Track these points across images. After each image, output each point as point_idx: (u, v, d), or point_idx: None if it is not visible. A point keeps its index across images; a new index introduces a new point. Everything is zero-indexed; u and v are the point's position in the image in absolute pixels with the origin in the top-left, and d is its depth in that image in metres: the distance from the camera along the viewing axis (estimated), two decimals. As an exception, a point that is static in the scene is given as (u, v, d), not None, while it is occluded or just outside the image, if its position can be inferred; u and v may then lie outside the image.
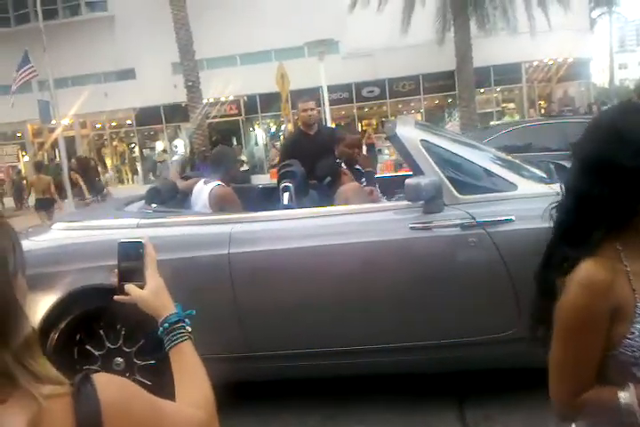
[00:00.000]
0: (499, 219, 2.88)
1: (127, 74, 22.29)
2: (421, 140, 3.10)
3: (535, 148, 6.93)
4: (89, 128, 24.77)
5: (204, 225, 3.25)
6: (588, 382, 1.16)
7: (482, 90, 21.21)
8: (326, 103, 14.56)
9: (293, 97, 14.64)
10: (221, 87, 20.22)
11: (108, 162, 24.34)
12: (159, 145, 24.20)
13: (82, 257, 3.15)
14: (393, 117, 20.73)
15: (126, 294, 1.18)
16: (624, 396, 1.10)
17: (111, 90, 21.62)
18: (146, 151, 24.29)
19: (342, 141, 4.39)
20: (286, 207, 3.62)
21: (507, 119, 14.85)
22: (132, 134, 24.74)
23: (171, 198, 3.87)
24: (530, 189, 3.07)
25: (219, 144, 19.43)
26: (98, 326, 3.14)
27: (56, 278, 3.11)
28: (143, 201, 3.86)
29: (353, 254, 3.00)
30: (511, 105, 17.16)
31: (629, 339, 1.13)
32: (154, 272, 1.20)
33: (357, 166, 4.38)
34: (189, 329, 1.16)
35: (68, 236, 3.34)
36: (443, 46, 17.70)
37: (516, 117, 15.05)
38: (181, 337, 1.14)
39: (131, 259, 1.20)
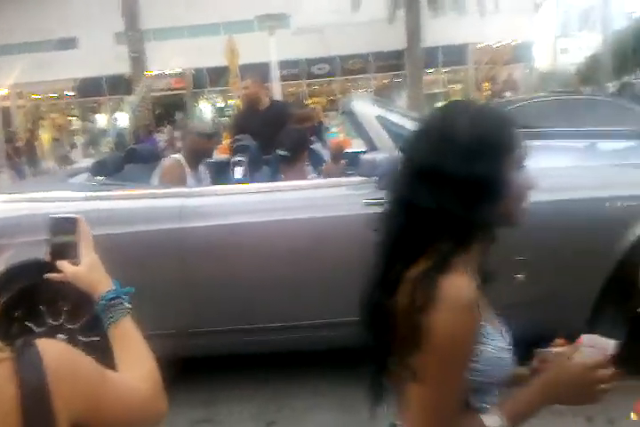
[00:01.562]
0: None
1: (68, 43, 21.37)
2: (377, 116, 3.10)
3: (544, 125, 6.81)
4: (26, 99, 23.73)
5: (156, 198, 3.17)
6: (456, 418, 1.04)
7: (430, 70, 21.43)
8: (276, 79, 14.41)
9: (242, 72, 14.43)
10: (167, 60, 19.71)
11: (46, 135, 23.40)
12: (100, 118, 23.43)
13: (24, 230, 3.02)
14: (341, 96, 20.75)
15: (59, 272, 1.15)
16: (492, 420, 1.04)
17: (51, 59, 20.71)
18: (86, 124, 23.47)
19: (292, 118, 4.35)
20: (239, 182, 3.57)
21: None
22: (72, 106, 23.86)
23: (117, 171, 3.75)
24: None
25: (162, 119, 19.11)
26: (38, 302, 3.05)
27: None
28: (87, 173, 3.73)
29: (305, 229, 3.00)
30: (457, 86, 17.42)
31: (476, 363, 1.04)
32: (88, 249, 1.17)
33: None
34: (128, 305, 1.14)
35: (9, 208, 3.21)
36: (393, 25, 17.74)
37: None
38: (120, 313, 1.12)
39: (63, 235, 1.16)
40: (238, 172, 3.61)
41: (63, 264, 1.15)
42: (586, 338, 1.08)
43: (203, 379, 3.35)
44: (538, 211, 2.83)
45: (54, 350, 0.85)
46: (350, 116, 3.17)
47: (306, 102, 21.95)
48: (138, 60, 16.35)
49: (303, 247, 2.97)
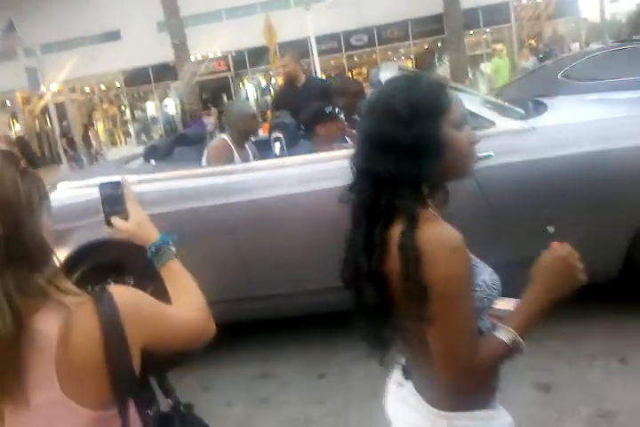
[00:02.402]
0: (478, 155, 3.07)
1: (112, 35, 21.87)
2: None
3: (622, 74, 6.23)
4: (78, 93, 24.53)
5: (203, 177, 3.44)
6: (478, 346, 1.15)
7: (471, 32, 20.91)
8: (315, 54, 14.44)
9: (282, 49, 14.54)
10: (208, 44, 19.96)
11: (100, 126, 24.20)
12: (150, 105, 24.04)
13: (88, 213, 3.33)
14: (376, 67, 20.52)
15: (114, 227, 1.34)
16: (503, 336, 1.16)
17: (97, 52, 21.27)
18: (137, 112, 24.13)
19: (346, 92, 4.35)
20: (278, 157, 3.80)
21: (496, 61, 14.69)
22: (121, 96, 24.54)
23: (167, 155, 4.05)
24: (507, 125, 3.25)
25: (208, 102, 19.46)
26: (106, 278, 3.37)
27: (66, 235, 3.32)
28: (141, 158, 4.04)
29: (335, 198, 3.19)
30: (499, 46, 16.95)
31: (477, 291, 1.18)
32: (134, 206, 1.36)
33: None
34: (174, 249, 1.34)
35: (73, 194, 3.53)
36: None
37: (506, 59, 14.90)
38: (168, 256, 1.32)
39: (113, 196, 1.34)
40: (277, 147, 3.83)
41: (116, 220, 1.33)
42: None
43: (258, 340, 3.66)
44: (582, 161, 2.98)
45: (123, 293, 1.09)
46: (378, 86, 3.32)
47: (347, 75, 21.95)
48: (180, 47, 16.68)
49: (342, 215, 3.16)
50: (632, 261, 3.19)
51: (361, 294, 1.23)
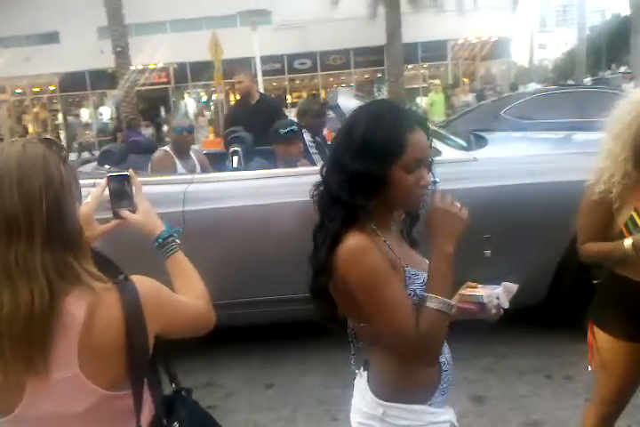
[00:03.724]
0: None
1: (50, 37, 21.33)
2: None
3: (555, 116, 6.83)
4: (8, 93, 23.64)
5: (161, 185, 3.49)
6: (415, 314, 1.28)
7: (409, 66, 21.80)
8: (259, 74, 14.64)
9: (225, 66, 14.64)
10: (150, 54, 19.78)
11: (30, 129, 23.35)
12: (84, 112, 23.44)
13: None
14: (323, 90, 20.99)
15: (122, 218, 1.40)
16: (429, 302, 1.28)
17: (33, 54, 20.67)
18: (70, 118, 23.47)
19: (308, 111, 4.48)
20: (235, 170, 3.90)
21: (432, 95, 15.41)
22: (54, 100, 23.82)
23: (122, 161, 4.06)
24: (452, 155, 3.50)
25: (146, 112, 19.21)
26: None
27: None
28: (96, 163, 4.03)
29: (296, 212, 3.33)
30: (436, 81, 17.81)
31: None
32: (141, 198, 1.42)
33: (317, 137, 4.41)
34: (179, 242, 1.41)
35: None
36: (373, 21, 18.03)
37: (441, 94, 15.65)
38: (174, 248, 1.39)
39: (121, 189, 1.39)
40: (234, 161, 3.94)
41: (124, 212, 1.39)
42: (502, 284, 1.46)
43: (202, 352, 3.68)
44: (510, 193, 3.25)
45: (145, 283, 1.18)
46: (336, 109, 3.50)
47: (287, 97, 22.27)
48: (121, 55, 16.44)
49: (291, 228, 3.27)
50: (557, 286, 3.48)
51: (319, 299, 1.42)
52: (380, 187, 1.31)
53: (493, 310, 1.41)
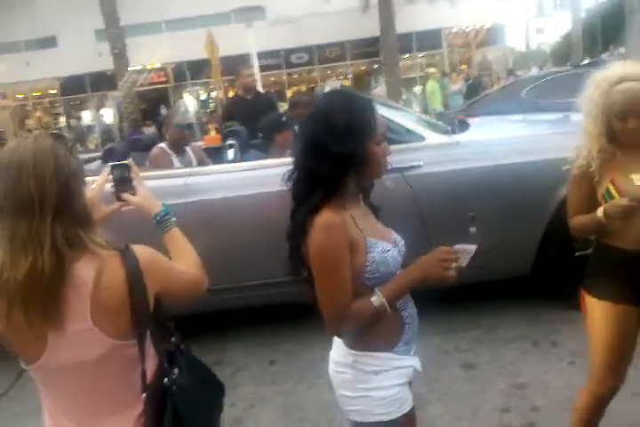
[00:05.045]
0: (409, 165, 3.49)
1: (49, 42, 21.54)
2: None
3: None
4: (10, 98, 23.91)
5: (162, 178, 3.69)
6: (350, 300, 1.49)
7: (406, 55, 21.90)
8: (256, 70, 14.79)
9: (223, 64, 14.81)
10: (148, 54, 19.97)
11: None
12: (85, 114, 23.67)
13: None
14: (322, 83, 21.11)
15: (124, 201, 1.63)
16: (374, 299, 1.49)
17: (33, 59, 20.90)
18: (72, 121, 23.72)
19: (298, 103, 4.69)
20: (231, 162, 4.09)
21: (431, 83, 15.52)
22: (56, 104, 24.07)
23: (124, 158, 4.26)
24: (435, 139, 3.70)
25: (147, 112, 19.43)
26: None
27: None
28: (100, 161, 4.25)
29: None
30: (432, 70, 17.92)
31: (368, 266, 1.52)
32: (140, 183, 1.65)
33: None
34: (174, 219, 1.62)
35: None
36: (366, 13, 18.14)
37: (437, 83, 15.75)
38: (170, 225, 1.61)
39: (122, 176, 1.62)
40: (230, 153, 4.14)
41: (126, 195, 1.62)
42: (457, 245, 1.58)
43: (213, 333, 3.93)
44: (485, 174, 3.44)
45: (143, 250, 1.39)
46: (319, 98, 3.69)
47: (286, 91, 22.41)
48: (119, 57, 16.61)
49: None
50: (541, 259, 3.67)
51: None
52: (360, 162, 1.52)
53: (451, 272, 1.53)
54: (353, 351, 1.60)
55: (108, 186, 1.65)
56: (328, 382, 1.72)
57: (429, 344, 3.41)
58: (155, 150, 4.44)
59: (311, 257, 1.50)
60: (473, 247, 1.59)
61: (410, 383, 1.67)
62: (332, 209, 1.50)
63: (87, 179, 1.42)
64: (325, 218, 1.48)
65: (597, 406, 2.20)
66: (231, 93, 16.22)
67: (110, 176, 1.65)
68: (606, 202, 1.98)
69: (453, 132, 3.95)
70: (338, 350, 1.66)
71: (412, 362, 1.65)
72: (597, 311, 2.10)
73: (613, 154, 2.00)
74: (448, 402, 2.94)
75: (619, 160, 1.99)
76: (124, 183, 1.63)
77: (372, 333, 1.56)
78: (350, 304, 1.49)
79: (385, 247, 1.56)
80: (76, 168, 1.35)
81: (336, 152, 1.48)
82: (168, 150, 4.41)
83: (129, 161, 1.66)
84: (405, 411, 1.61)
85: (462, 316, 3.82)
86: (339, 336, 1.63)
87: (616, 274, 2.05)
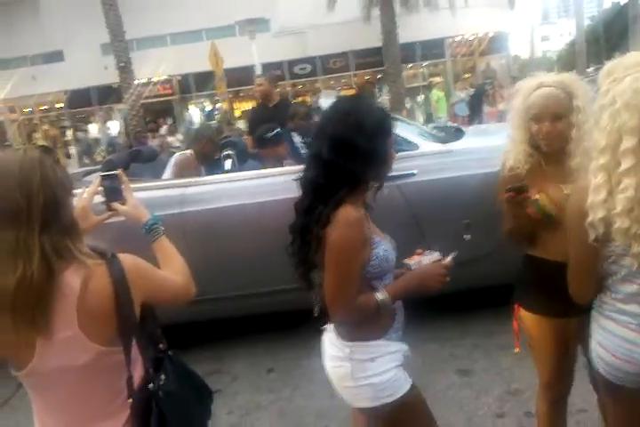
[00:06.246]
0: (403, 173, 3.53)
1: (55, 56, 21.80)
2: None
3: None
4: (18, 112, 24.18)
5: (161, 189, 3.75)
6: (355, 290, 1.63)
7: (409, 65, 22.01)
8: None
9: (227, 75, 14.94)
10: (153, 67, 20.19)
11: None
12: (92, 127, 23.87)
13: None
14: (318, 94, 21.20)
15: (114, 210, 1.68)
16: (379, 295, 1.67)
17: (39, 73, 21.16)
18: (79, 134, 23.90)
19: (295, 114, 4.70)
20: (228, 172, 4.14)
21: (436, 92, 15.55)
22: (63, 117, 24.31)
23: (125, 170, 4.32)
24: (429, 148, 3.74)
25: (150, 124, 19.59)
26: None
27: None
28: (100, 172, 4.30)
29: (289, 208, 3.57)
30: (437, 79, 17.99)
31: (372, 261, 1.66)
32: (129, 193, 1.71)
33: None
34: (162, 228, 1.68)
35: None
36: (369, 23, 18.26)
37: (442, 91, 15.78)
38: (159, 233, 1.67)
39: (112, 185, 1.68)
40: (227, 164, 4.19)
41: (115, 205, 1.68)
42: (427, 252, 1.80)
43: (211, 342, 3.96)
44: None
45: (128, 259, 1.43)
46: (318, 111, 3.76)
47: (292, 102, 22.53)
48: (125, 70, 16.83)
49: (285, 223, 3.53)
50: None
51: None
52: (383, 161, 1.66)
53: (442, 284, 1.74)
54: (349, 343, 1.73)
55: (98, 196, 1.71)
56: (325, 389, 1.78)
57: (425, 351, 3.44)
58: (182, 157, 4.55)
59: (329, 246, 1.59)
60: (436, 254, 1.80)
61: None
62: (353, 204, 1.62)
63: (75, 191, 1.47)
64: (349, 212, 1.59)
65: (557, 409, 2.23)
66: (235, 105, 16.36)
67: (100, 186, 1.70)
68: (536, 210, 1.95)
69: (447, 140, 3.99)
70: (332, 345, 1.79)
71: (402, 347, 1.80)
72: (534, 325, 2.10)
73: (539, 162, 2.03)
74: (443, 408, 2.95)
75: (544, 170, 2.02)
76: (113, 193, 1.68)
77: (368, 323, 1.70)
78: (355, 294, 1.63)
79: (386, 245, 1.71)
80: (63, 179, 1.39)
81: (365, 150, 1.60)
82: (194, 158, 4.50)
83: (118, 171, 1.71)
84: (407, 389, 1.74)
85: (458, 323, 3.84)
86: (339, 322, 1.74)
87: (543, 286, 2.04)
